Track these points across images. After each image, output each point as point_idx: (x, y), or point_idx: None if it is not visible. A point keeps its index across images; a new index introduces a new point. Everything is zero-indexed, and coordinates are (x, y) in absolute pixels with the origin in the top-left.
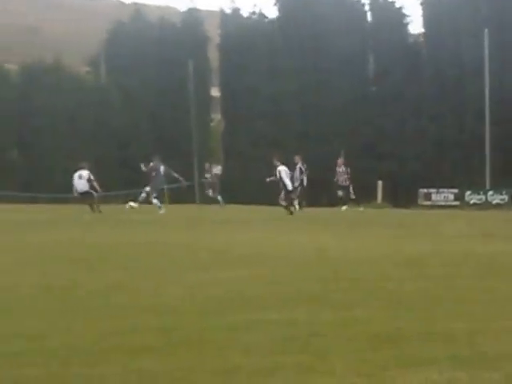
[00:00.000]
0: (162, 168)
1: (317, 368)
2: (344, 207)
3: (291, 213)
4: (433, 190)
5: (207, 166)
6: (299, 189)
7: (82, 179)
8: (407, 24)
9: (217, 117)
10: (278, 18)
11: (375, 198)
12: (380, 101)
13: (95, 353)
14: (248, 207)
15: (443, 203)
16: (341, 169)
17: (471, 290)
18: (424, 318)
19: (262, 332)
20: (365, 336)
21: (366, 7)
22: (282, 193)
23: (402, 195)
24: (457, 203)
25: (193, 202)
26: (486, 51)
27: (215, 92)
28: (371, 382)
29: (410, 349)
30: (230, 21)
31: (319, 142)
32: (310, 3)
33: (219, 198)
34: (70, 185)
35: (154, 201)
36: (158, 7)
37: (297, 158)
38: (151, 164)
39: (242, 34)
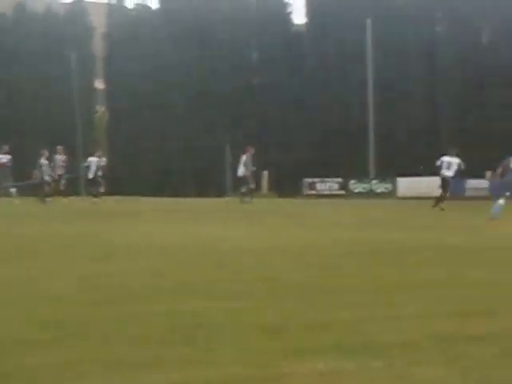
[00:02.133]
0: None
1: (201, 359)
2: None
3: None
4: (317, 180)
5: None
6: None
7: None
8: (290, 14)
9: (101, 109)
10: (162, 9)
11: (261, 188)
12: (264, 91)
13: None
14: (135, 198)
15: (328, 192)
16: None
17: (357, 279)
18: (310, 307)
19: (147, 323)
20: (250, 327)
21: None
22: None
23: (287, 185)
24: (341, 192)
25: (78, 194)
26: (369, 41)
27: (99, 84)
28: (257, 373)
29: (296, 339)
30: (115, 12)
31: (204, 133)
32: None
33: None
34: None
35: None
36: None
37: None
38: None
39: (126, 25)
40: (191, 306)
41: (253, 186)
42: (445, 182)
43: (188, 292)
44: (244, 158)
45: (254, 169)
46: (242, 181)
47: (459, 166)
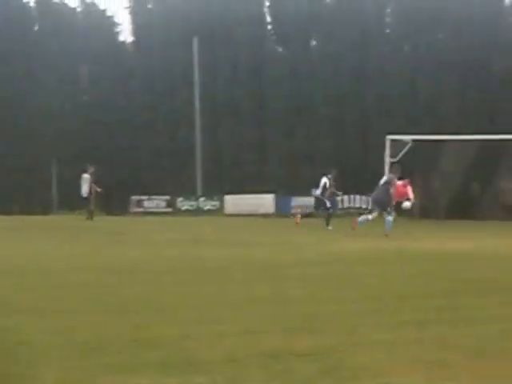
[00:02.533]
0: None
1: (25, 377)
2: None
3: None
4: (144, 197)
5: None
6: None
7: None
8: (118, 32)
9: None
10: None
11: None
12: (92, 109)
13: None
14: None
15: (155, 210)
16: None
17: (182, 296)
18: (135, 324)
19: None
20: (75, 343)
21: (79, 14)
22: None
23: (115, 202)
24: (169, 210)
25: None
26: (196, 59)
27: None
28: None
29: (121, 355)
30: None
31: (30, 148)
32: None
33: None
34: None
35: None
36: None
37: None
38: None
39: None
40: (18, 324)
41: (92, 207)
42: (316, 201)
43: (16, 310)
44: (85, 176)
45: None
46: (87, 200)
47: (325, 184)
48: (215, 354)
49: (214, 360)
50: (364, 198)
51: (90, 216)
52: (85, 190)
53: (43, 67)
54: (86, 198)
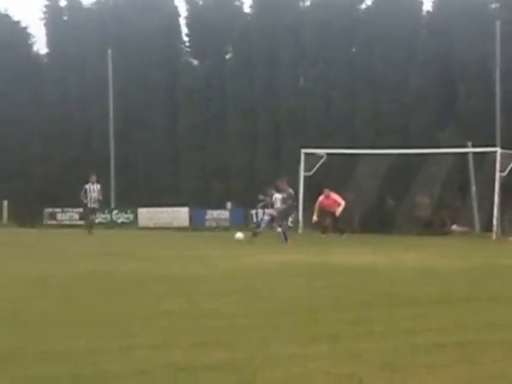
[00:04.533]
0: None
1: None
2: None
3: None
4: (58, 210)
5: None
6: None
7: None
8: (32, 44)
9: None
10: None
11: (0, 217)
12: (3, 121)
13: None
14: None
15: (69, 222)
16: None
17: (92, 309)
18: (44, 337)
19: None
20: None
21: None
22: None
23: (28, 214)
24: (82, 222)
25: None
26: (110, 71)
27: None
28: None
29: (30, 368)
30: None
31: None
32: None
33: None
34: None
35: None
36: None
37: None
38: None
39: None
40: None
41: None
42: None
43: None
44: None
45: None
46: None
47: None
48: (125, 367)
49: (125, 373)
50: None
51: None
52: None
53: None
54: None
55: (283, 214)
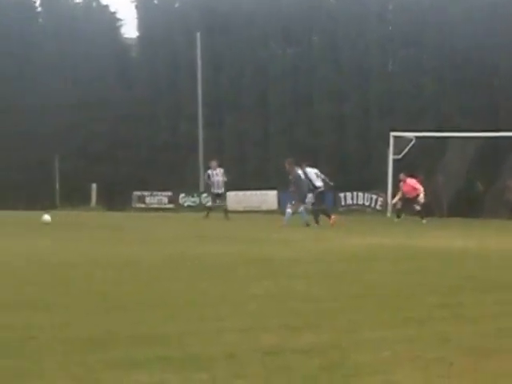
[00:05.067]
0: None
1: (29, 371)
2: None
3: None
4: (147, 193)
5: None
6: None
7: None
8: (120, 27)
9: None
10: None
11: (90, 200)
12: (94, 104)
13: None
14: None
15: (157, 206)
16: None
17: (183, 293)
18: (135, 320)
19: None
20: (77, 339)
21: (81, 10)
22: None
23: (117, 198)
24: (171, 206)
25: None
26: (199, 54)
27: None
28: None
29: (121, 351)
30: None
31: (32, 145)
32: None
33: None
34: None
35: None
36: None
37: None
38: None
39: None
40: (21, 319)
41: None
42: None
43: (19, 305)
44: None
45: None
46: None
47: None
48: (215, 351)
49: (214, 356)
50: (367, 195)
51: None
52: None
53: (44, 62)
54: None
55: (297, 195)
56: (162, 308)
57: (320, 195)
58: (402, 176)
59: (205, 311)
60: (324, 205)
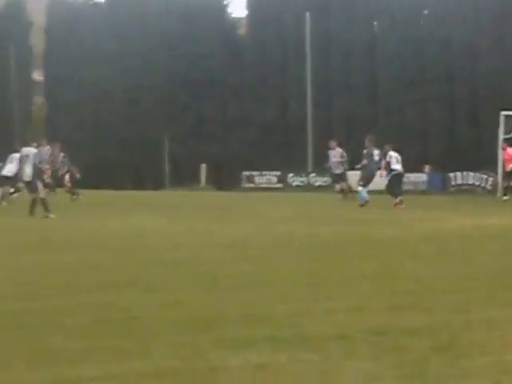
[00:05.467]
0: None
1: (136, 351)
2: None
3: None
4: (256, 173)
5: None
6: None
7: None
8: (227, 6)
9: (38, 101)
10: (104, 2)
11: (199, 180)
12: (201, 84)
13: None
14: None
15: (266, 185)
16: None
17: (293, 272)
18: (245, 300)
19: (81, 316)
20: (184, 319)
21: None
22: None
23: (226, 178)
24: (280, 185)
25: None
26: (308, 34)
27: (38, 76)
28: (190, 365)
29: (230, 331)
30: (56, 5)
31: (141, 125)
32: None
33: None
34: None
35: None
36: None
37: None
38: None
39: (66, 17)
40: (127, 299)
41: None
42: (399, 177)
43: (123, 285)
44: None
45: None
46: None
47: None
48: (325, 331)
49: (324, 336)
50: (478, 175)
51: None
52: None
53: (153, 46)
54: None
55: (364, 173)
56: (271, 288)
57: (397, 177)
58: (503, 144)
59: (314, 291)
60: (399, 188)
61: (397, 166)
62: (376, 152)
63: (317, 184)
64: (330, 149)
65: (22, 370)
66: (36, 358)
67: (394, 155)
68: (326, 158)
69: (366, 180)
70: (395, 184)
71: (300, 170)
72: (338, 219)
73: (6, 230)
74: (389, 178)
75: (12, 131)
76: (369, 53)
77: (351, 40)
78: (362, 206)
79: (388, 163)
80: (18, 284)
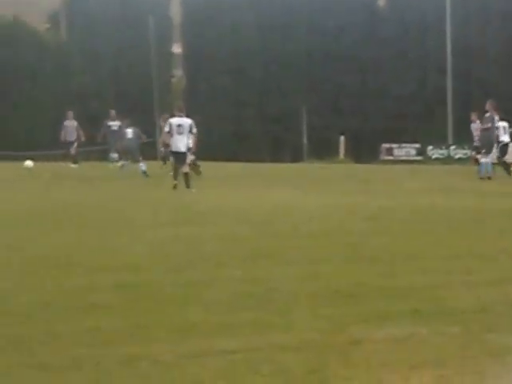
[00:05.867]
0: (130, 131)
1: (275, 324)
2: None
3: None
4: (395, 145)
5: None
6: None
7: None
8: None
9: (178, 73)
10: None
11: (337, 153)
12: (340, 57)
13: (58, 310)
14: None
15: (405, 158)
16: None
17: (433, 245)
18: (385, 272)
19: (221, 289)
20: (325, 292)
21: None
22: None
23: (364, 150)
24: (419, 158)
25: (154, 158)
26: (448, 5)
27: (177, 48)
28: (331, 339)
29: (371, 304)
30: None
31: (280, 98)
32: None
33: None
34: (30, 142)
35: (114, 158)
36: None
37: None
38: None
39: None
40: (266, 272)
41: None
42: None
43: (262, 257)
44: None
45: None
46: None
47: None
48: (466, 304)
49: (465, 309)
50: None
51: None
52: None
53: (291, 20)
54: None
55: (485, 142)
56: (412, 261)
57: (504, 148)
58: None
59: (454, 264)
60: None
61: (504, 138)
62: (496, 118)
63: (457, 156)
64: (471, 122)
65: (164, 343)
66: (176, 332)
67: (502, 124)
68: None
69: (488, 147)
70: (504, 154)
71: (440, 142)
72: (477, 192)
73: (150, 204)
74: (498, 149)
75: (152, 103)
76: (509, 22)
77: (491, 9)
78: (482, 179)
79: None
80: (161, 257)
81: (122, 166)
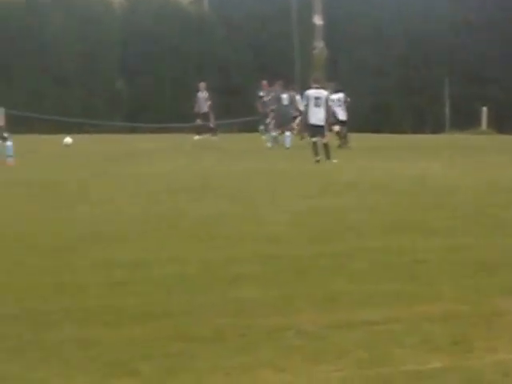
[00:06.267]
0: (284, 96)
1: (421, 295)
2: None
3: None
4: None
5: None
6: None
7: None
8: None
9: (319, 45)
10: None
11: (480, 124)
12: (481, 26)
13: (201, 282)
14: (357, 135)
15: None
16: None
17: None
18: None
19: (365, 259)
20: (468, 263)
21: None
22: None
23: (508, 122)
24: None
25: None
26: None
27: (318, 20)
28: (474, 310)
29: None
30: None
31: (421, 69)
32: None
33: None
34: (175, 114)
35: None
36: None
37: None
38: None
39: None
40: (410, 242)
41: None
42: None
43: (404, 229)
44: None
45: None
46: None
47: None
48: None
49: None
50: None
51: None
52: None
53: None
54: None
55: None
56: None
57: None
58: None
59: None
60: None
61: None
62: None
63: None
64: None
65: (308, 313)
66: (320, 302)
67: None
68: None
69: None
70: None
71: None
72: None
73: (293, 175)
74: None
75: (292, 75)
76: None
77: None
78: None
79: None
80: (303, 228)
81: (274, 137)
